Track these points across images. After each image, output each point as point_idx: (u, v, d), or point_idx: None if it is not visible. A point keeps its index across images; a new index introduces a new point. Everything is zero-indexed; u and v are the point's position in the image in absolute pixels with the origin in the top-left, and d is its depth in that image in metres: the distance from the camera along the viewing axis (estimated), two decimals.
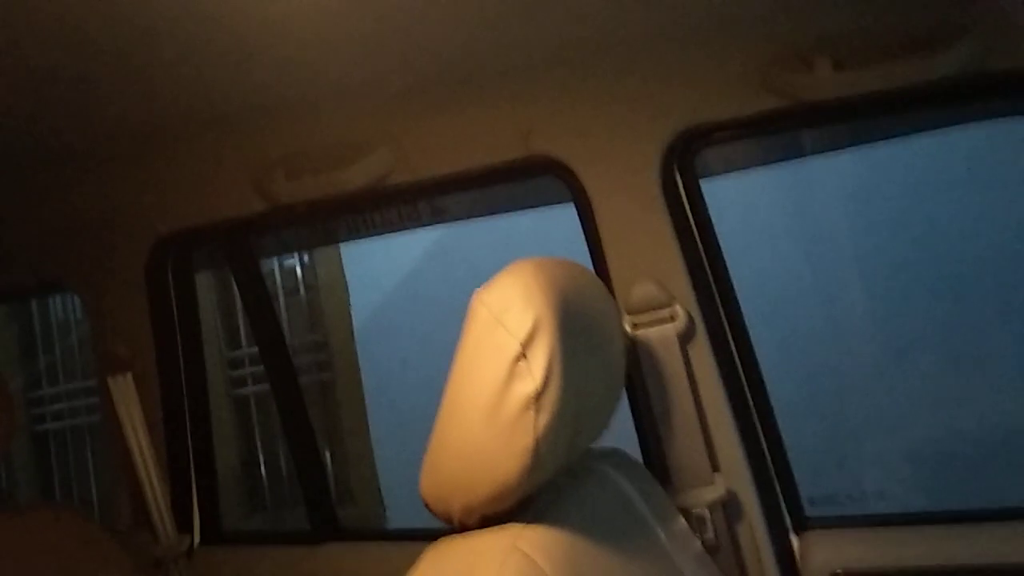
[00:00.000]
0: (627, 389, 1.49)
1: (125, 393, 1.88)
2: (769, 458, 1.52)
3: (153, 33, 1.12)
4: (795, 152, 1.75)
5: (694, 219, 1.50)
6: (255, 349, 2.97)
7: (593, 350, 1.12)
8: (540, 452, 0.95)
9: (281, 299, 3.14)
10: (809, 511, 1.53)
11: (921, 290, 3.11)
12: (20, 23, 1.03)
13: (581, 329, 1.08)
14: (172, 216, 1.78)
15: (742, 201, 2.89)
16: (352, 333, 3.12)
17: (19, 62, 1.18)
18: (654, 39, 1.37)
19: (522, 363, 0.97)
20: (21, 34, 1.05)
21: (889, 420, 3.15)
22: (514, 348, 0.97)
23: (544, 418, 0.96)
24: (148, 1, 0.96)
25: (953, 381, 3.05)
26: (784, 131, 1.46)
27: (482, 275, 1.08)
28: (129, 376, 1.87)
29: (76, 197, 1.81)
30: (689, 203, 1.50)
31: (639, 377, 1.47)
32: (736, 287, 1.54)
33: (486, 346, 1.00)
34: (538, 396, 0.96)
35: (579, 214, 1.54)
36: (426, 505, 1.03)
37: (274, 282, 3.09)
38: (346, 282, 3.08)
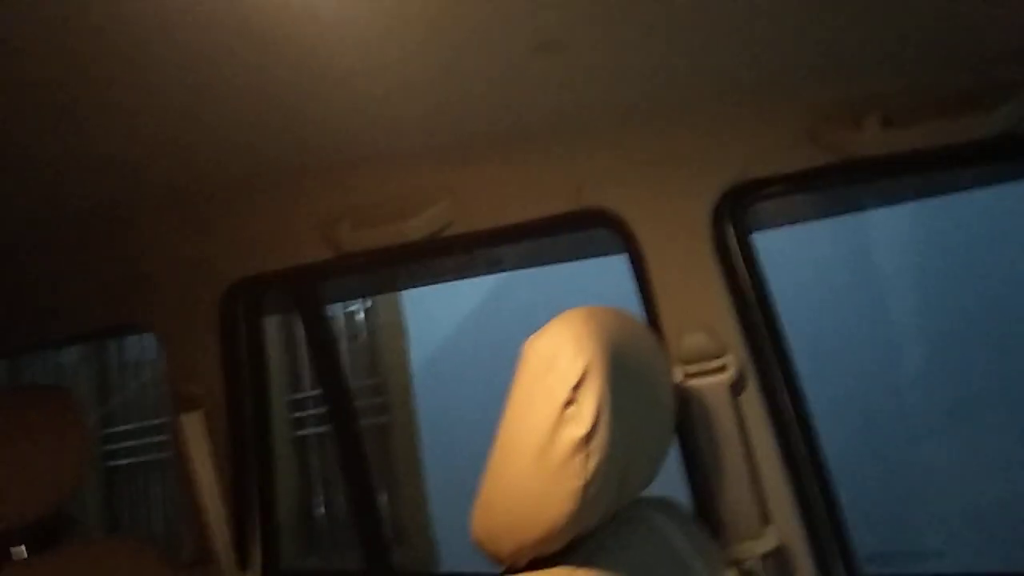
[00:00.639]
0: (679, 439, 1.51)
1: (195, 431, 1.97)
2: (822, 512, 1.51)
3: (229, 93, 1.21)
4: (849, 206, 1.77)
5: (746, 271, 1.53)
6: (316, 392, 3.06)
7: (642, 398, 1.15)
8: (589, 495, 0.98)
9: (344, 343, 3.23)
10: (865, 568, 1.51)
11: (985, 344, 3.04)
12: (109, 75, 1.10)
13: (631, 377, 1.11)
14: (244, 262, 1.88)
15: (801, 251, 2.89)
16: (410, 377, 3.19)
17: (104, 116, 1.28)
18: (705, 96, 1.42)
19: (572, 407, 1.00)
20: (105, 86, 1.12)
21: (951, 477, 3.06)
22: (564, 392, 1.01)
23: (593, 462, 0.99)
24: (224, 63, 1.04)
25: (1018, 440, 2.96)
26: (834, 186, 1.48)
27: (538, 320, 1.13)
28: (200, 414, 1.96)
29: (154, 244, 1.93)
30: (741, 255, 1.52)
31: (690, 427, 1.48)
32: (788, 338, 1.55)
33: (537, 391, 1.04)
34: (587, 440, 0.99)
35: (631, 265, 1.58)
36: (477, 545, 1.06)
37: (337, 326, 3.19)
38: (405, 327, 3.16)
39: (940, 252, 3.12)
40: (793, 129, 1.39)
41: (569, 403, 1.00)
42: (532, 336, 1.13)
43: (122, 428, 3.55)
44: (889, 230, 3.07)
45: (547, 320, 1.12)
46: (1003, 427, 3.00)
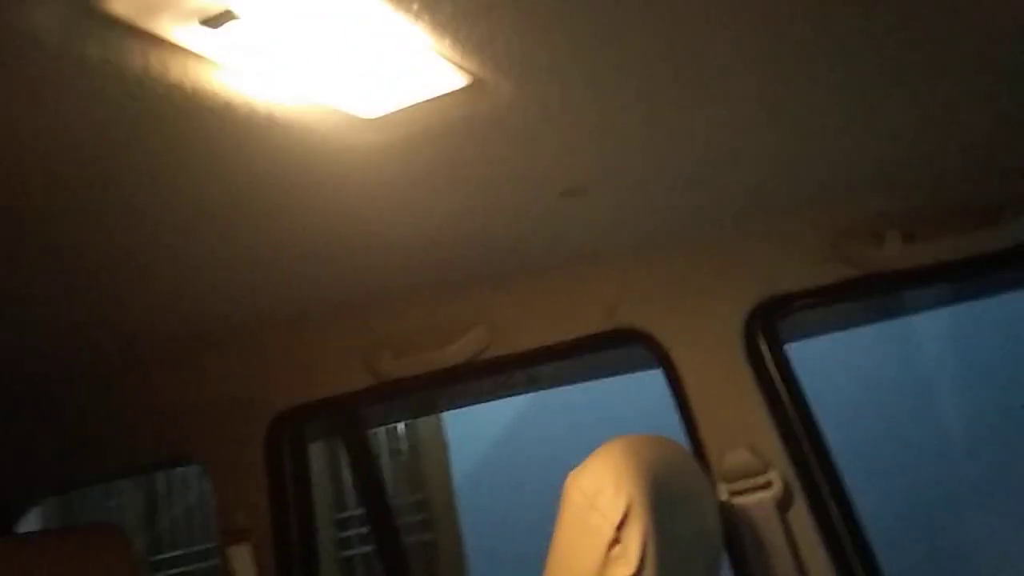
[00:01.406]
0: (730, 559, 1.48)
1: (244, 563, 1.97)
2: None
3: (274, 238, 1.28)
4: (879, 314, 1.78)
5: (783, 383, 1.53)
6: (361, 511, 3.05)
7: (688, 526, 1.14)
8: None
9: (385, 458, 3.23)
10: None
11: None
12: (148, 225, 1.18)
13: (675, 507, 1.11)
14: (289, 394, 1.92)
15: (844, 357, 2.88)
16: (452, 492, 3.17)
17: (160, 261, 1.35)
18: (728, 218, 1.46)
19: (617, 548, 1.01)
20: (157, 225, 1.20)
21: (1003, 561, 2.93)
22: (608, 532, 1.02)
23: None
24: (268, 210, 1.11)
25: None
26: (860, 299, 1.50)
27: (576, 432, 1.14)
28: (248, 546, 1.97)
29: (203, 380, 1.99)
30: (776, 368, 1.53)
31: (740, 547, 1.46)
32: (832, 448, 1.54)
33: (581, 531, 1.05)
34: None
35: (668, 383, 1.59)
36: None
37: (378, 443, 3.20)
38: (446, 442, 3.17)
39: (979, 348, 3.09)
40: (816, 246, 1.42)
41: (614, 543, 1.01)
42: (573, 472, 1.15)
43: (171, 554, 3.56)
44: (929, 329, 3.06)
45: (586, 431, 1.13)
46: None
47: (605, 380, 2.00)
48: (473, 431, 3.40)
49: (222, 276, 1.50)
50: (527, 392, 2.03)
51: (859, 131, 1.18)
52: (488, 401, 2.04)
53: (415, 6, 0.66)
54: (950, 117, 1.15)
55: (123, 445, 2.14)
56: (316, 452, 3.01)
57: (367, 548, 3.04)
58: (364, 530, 3.02)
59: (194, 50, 0.70)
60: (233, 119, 0.81)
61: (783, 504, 1.45)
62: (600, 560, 1.01)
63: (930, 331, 3.08)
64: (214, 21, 0.65)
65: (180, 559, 3.48)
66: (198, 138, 0.84)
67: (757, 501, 1.45)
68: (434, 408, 2.60)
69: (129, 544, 1.79)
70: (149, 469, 3.07)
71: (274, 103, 0.81)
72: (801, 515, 1.46)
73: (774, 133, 1.14)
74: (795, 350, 1.57)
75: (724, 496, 1.47)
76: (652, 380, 1.68)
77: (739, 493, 1.47)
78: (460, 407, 2.35)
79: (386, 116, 0.86)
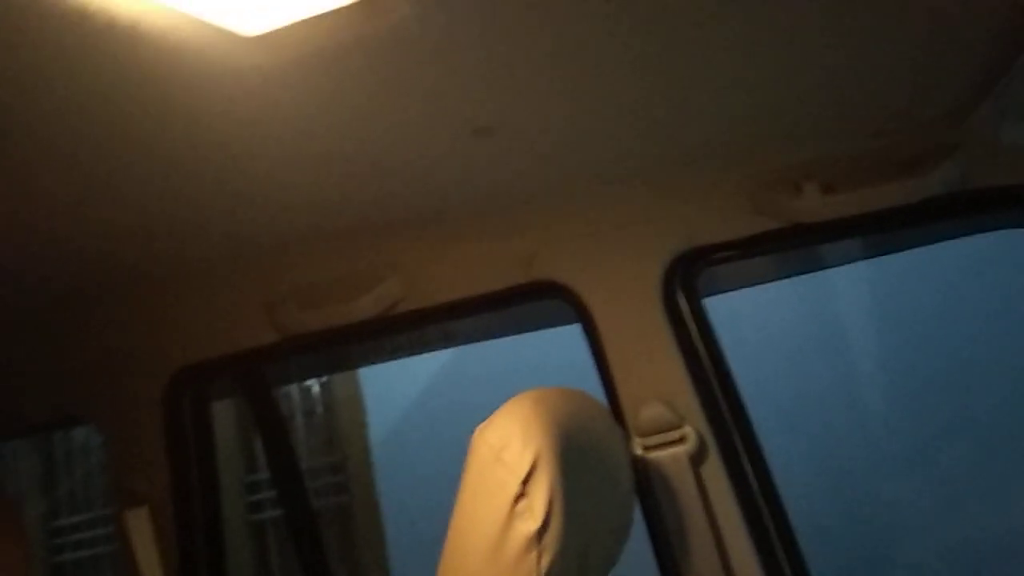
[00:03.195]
0: (643, 512, 1.47)
1: (141, 527, 1.88)
2: None
3: (162, 176, 1.18)
4: (798, 268, 1.78)
5: (700, 338, 1.51)
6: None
7: (599, 483, 1.11)
8: None
9: (299, 420, 3.15)
10: None
11: (943, 389, 3.08)
12: (39, 168, 1.07)
13: (585, 462, 1.07)
14: (188, 349, 1.82)
15: (763, 312, 2.92)
16: (369, 453, 3.11)
17: (38, 204, 1.24)
18: (649, 167, 1.42)
19: (523, 502, 0.97)
20: (35, 172, 1.09)
21: (918, 517, 3.06)
22: (514, 486, 0.98)
23: (547, 558, 0.95)
24: (154, 147, 1.01)
25: (977, 477, 2.99)
26: (780, 251, 1.49)
27: (499, 390, 1.10)
28: (145, 510, 1.87)
29: (94, 334, 1.86)
30: (694, 323, 1.51)
31: (653, 501, 1.44)
32: (747, 404, 1.54)
33: (487, 485, 1.00)
34: (540, 535, 0.95)
35: (586, 336, 1.56)
36: None
37: (291, 403, 3.10)
38: (363, 402, 3.10)
39: (898, 305, 3.18)
40: (736, 197, 1.40)
41: (520, 497, 0.97)
42: (481, 425, 1.10)
43: (69, 520, 3.40)
44: (848, 284, 3.13)
45: (506, 388, 1.10)
46: (963, 465, 3.03)
47: (528, 338, 1.96)
48: (392, 390, 3.33)
49: (107, 220, 1.39)
50: (444, 348, 1.97)
51: (777, 83, 1.15)
52: (404, 357, 1.97)
53: None
54: (867, 68, 1.13)
55: (10, 404, 2.01)
56: (224, 412, 2.91)
57: (279, 512, 2.96)
58: (275, 493, 2.95)
59: None
60: (91, 28, 0.70)
61: (697, 459, 1.44)
62: (505, 515, 0.97)
63: (848, 285, 3.16)
64: None
65: (80, 525, 3.33)
66: (50, 54, 0.74)
67: (671, 455, 1.44)
68: (346, 364, 2.51)
69: (16, 514, 1.67)
70: (39, 431, 2.91)
71: (139, 11, 0.71)
72: (715, 470, 1.45)
73: (691, 84, 1.10)
74: (713, 304, 1.55)
75: (638, 450, 1.45)
76: (576, 336, 1.64)
77: (653, 448, 1.45)
78: (375, 363, 2.28)
79: (269, 33, 0.77)
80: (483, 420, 1.11)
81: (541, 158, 1.30)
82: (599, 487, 1.11)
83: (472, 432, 1.08)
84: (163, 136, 0.98)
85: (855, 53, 1.08)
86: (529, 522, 0.95)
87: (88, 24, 0.70)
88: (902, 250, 1.58)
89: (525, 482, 0.97)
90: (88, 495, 3.38)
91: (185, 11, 0.71)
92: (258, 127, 1.00)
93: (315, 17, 0.76)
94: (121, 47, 0.74)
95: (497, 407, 1.19)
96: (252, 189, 1.29)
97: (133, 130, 0.94)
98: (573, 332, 1.70)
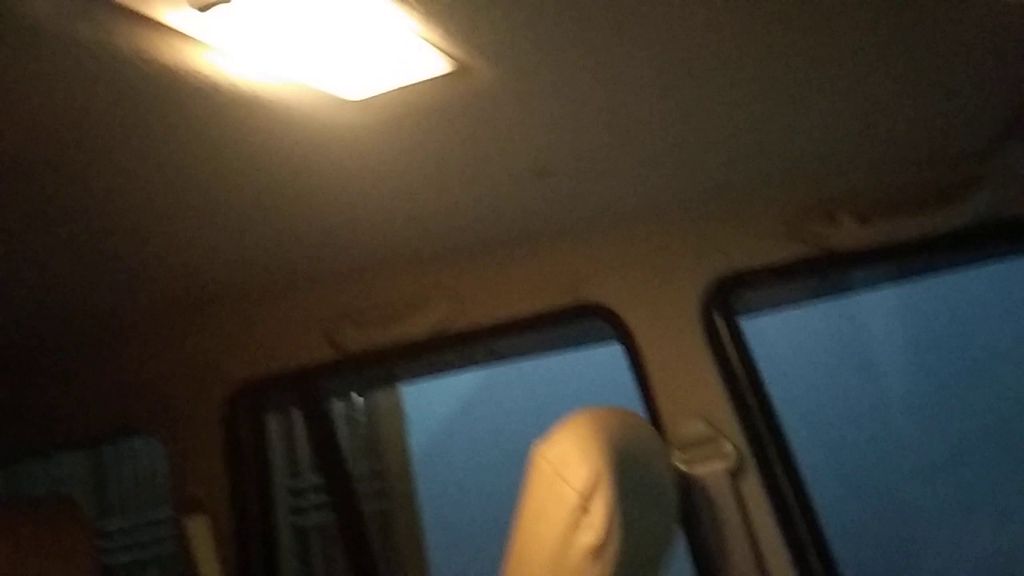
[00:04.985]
0: (683, 526, 1.54)
1: (200, 534, 1.97)
2: None
3: (233, 204, 1.27)
4: (832, 291, 1.85)
5: (737, 357, 1.59)
6: (315, 479, 3.06)
7: (650, 497, 1.19)
8: None
9: (342, 427, 3.23)
10: None
11: (969, 404, 3.13)
12: (114, 190, 1.16)
13: (637, 478, 1.15)
14: (247, 365, 1.91)
15: (796, 334, 2.99)
16: (410, 461, 3.20)
17: (108, 227, 1.33)
18: (688, 199, 1.50)
19: (584, 516, 1.05)
20: (110, 200, 1.16)
21: (949, 533, 3.10)
22: (575, 501, 1.05)
23: (608, 569, 1.02)
24: (225, 177, 1.10)
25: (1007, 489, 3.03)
26: (814, 277, 1.56)
27: (533, 403, 1.17)
28: (204, 517, 1.97)
29: (159, 349, 1.96)
30: (732, 342, 1.58)
31: (693, 515, 1.51)
32: (783, 419, 1.60)
33: (548, 500, 1.08)
34: (601, 548, 1.03)
35: (627, 355, 1.63)
36: None
37: (336, 411, 3.19)
38: (404, 411, 3.18)
39: (926, 323, 3.23)
40: (773, 225, 1.47)
41: (580, 511, 1.05)
42: (539, 443, 1.18)
43: (120, 524, 3.51)
44: (877, 302, 3.19)
45: (543, 402, 1.17)
46: (987, 477, 3.08)
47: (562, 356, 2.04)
48: (431, 401, 3.42)
49: (185, 249, 1.49)
50: (488, 365, 2.06)
51: (815, 117, 1.22)
52: (449, 373, 2.06)
53: None
54: (900, 105, 1.20)
55: (75, 417, 2.11)
56: (271, 421, 3.00)
57: (321, 518, 3.06)
58: (318, 500, 3.04)
59: (184, 32, 0.70)
60: (218, 99, 0.81)
61: (735, 473, 1.51)
62: (567, 528, 1.04)
63: (878, 308, 3.22)
64: (204, 5, 0.65)
65: (129, 530, 3.45)
66: (183, 117, 0.84)
67: (710, 470, 1.51)
68: (394, 380, 2.61)
69: (84, 516, 1.77)
70: (101, 441, 3.03)
71: (259, 84, 0.81)
72: (752, 484, 1.52)
73: (735, 119, 1.17)
74: (750, 325, 1.62)
75: (679, 465, 1.52)
76: (601, 354, 1.72)
77: (693, 463, 1.52)
78: (422, 379, 2.37)
79: (370, 98, 0.87)
80: (519, 431, 1.18)
81: (591, 193, 1.39)
82: (651, 502, 1.19)
83: (508, 443, 1.15)
84: (234, 168, 1.07)
85: (889, 91, 1.16)
86: (591, 536, 1.03)
87: (217, 94, 0.80)
88: (932, 275, 1.64)
89: (586, 497, 1.05)
90: (138, 499, 3.49)
91: (301, 82, 0.81)
92: (347, 173, 1.10)
93: (411, 85, 0.85)
94: (244, 113, 0.84)
95: (533, 419, 1.27)
96: (322, 222, 1.39)
97: (245, 175, 1.04)
98: (602, 351, 1.78)
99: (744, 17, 0.86)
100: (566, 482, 1.07)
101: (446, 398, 3.50)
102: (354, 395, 3.11)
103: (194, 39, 0.71)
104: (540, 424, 1.22)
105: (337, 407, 3.18)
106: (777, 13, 0.87)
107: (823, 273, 1.51)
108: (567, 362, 2.22)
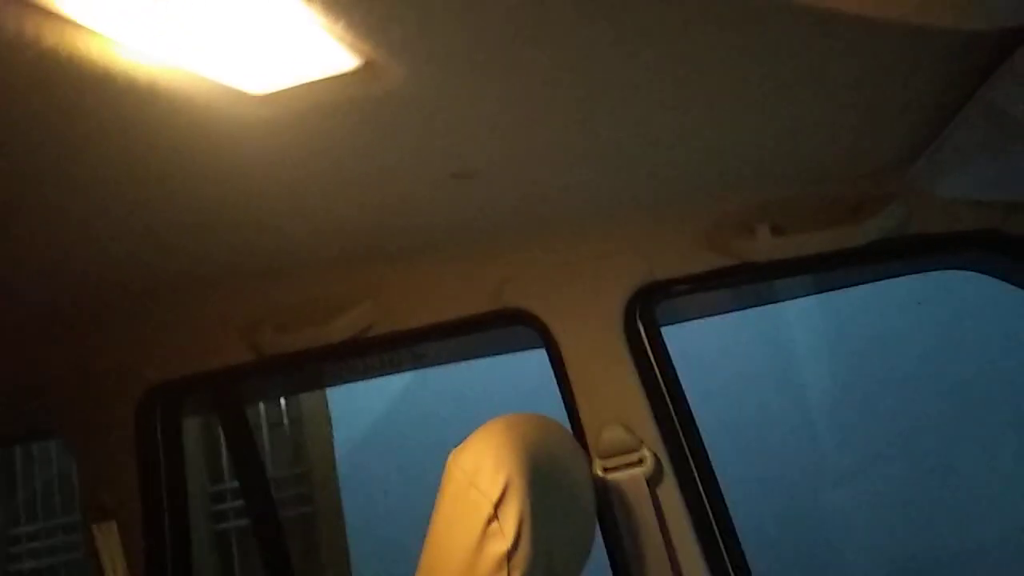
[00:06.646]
0: (602, 532, 1.55)
1: (109, 541, 1.90)
2: None
3: (146, 200, 1.23)
4: (751, 301, 1.89)
5: (657, 366, 1.60)
6: (236, 484, 2.99)
7: (564, 505, 1.19)
8: None
9: (265, 431, 3.17)
10: None
11: (888, 411, 3.25)
12: (23, 193, 1.12)
13: (552, 485, 1.15)
14: (161, 367, 1.85)
15: (719, 334, 3.04)
16: (334, 466, 3.15)
17: (20, 221, 1.27)
18: (614, 207, 1.51)
19: (494, 524, 1.04)
20: (21, 191, 1.13)
21: (865, 534, 3.21)
22: (487, 509, 1.05)
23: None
24: (139, 171, 1.07)
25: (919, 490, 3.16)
26: (733, 286, 1.59)
27: (460, 408, 1.16)
28: (113, 524, 1.90)
29: (68, 349, 1.89)
30: (652, 351, 1.60)
31: (612, 521, 1.53)
32: (701, 428, 1.63)
33: (460, 507, 1.07)
34: (510, 556, 1.03)
35: (550, 362, 1.63)
36: None
37: (258, 414, 3.13)
38: (330, 415, 3.14)
39: (846, 333, 3.34)
40: (693, 236, 1.49)
41: (491, 520, 1.04)
42: (454, 450, 1.17)
43: (28, 528, 3.38)
44: (797, 312, 3.28)
45: (470, 406, 1.16)
46: (904, 481, 3.21)
47: (488, 360, 2.03)
48: (357, 405, 3.38)
49: (95, 244, 1.43)
50: (413, 369, 2.04)
51: (735, 133, 1.24)
52: (373, 378, 2.03)
53: None
54: (815, 121, 1.23)
55: None
56: (190, 422, 2.92)
57: (243, 521, 2.99)
58: (240, 503, 2.97)
59: (74, 19, 0.66)
60: (113, 88, 0.77)
61: (654, 480, 1.53)
62: (478, 536, 1.04)
63: (797, 313, 3.30)
64: None
65: (39, 533, 3.31)
66: (75, 107, 0.80)
67: (629, 477, 1.52)
68: (317, 384, 2.56)
69: None
70: (9, 443, 2.90)
71: (156, 72, 0.78)
72: (670, 490, 1.54)
73: (655, 131, 1.19)
74: (671, 333, 1.64)
75: (599, 471, 1.53)
76: (532, 358, 1.72)
77: (613, 469, 1.53)
78: (344, 383, 2.33)
79: (274, 93, 0.84)
80: (447, 435, 1.17)
81: (513, 198, 1.38)
82: (564, 508, 1.19)
83: (434, 447, 1.14)
84: (170, 173, 1.04)
85: (806, 109, 1.18)
86: (500, 543, 1.02)
87: (111, 84, 0.77)
88: (848, 287, 1.69)
89: (497, 505, 1.04)
90: (48, 503, 3.36)
91: (201, 74, 0.78)
92: (253, 169, 1.07)
93: (317, 80, 0.83)
94: (140, 103, 0.81)
95: (459, 423, 1.26)
96: (235, 219, 1.35)
97: (118, 157, 1.00)
98: (528, 357, 1.78)
99: (664, 31, 0.87)
100: (478, 490, 1.07)
101: (372, 401, 3.47)
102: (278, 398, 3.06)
103: (86, 27, 0.68)
104: (468, 428, 1.21)
105: (259, 409, 3.12)
106: (697, 30, 0.87)
107: (742, 283, 1.54)
108: (497, 365, 2.21)
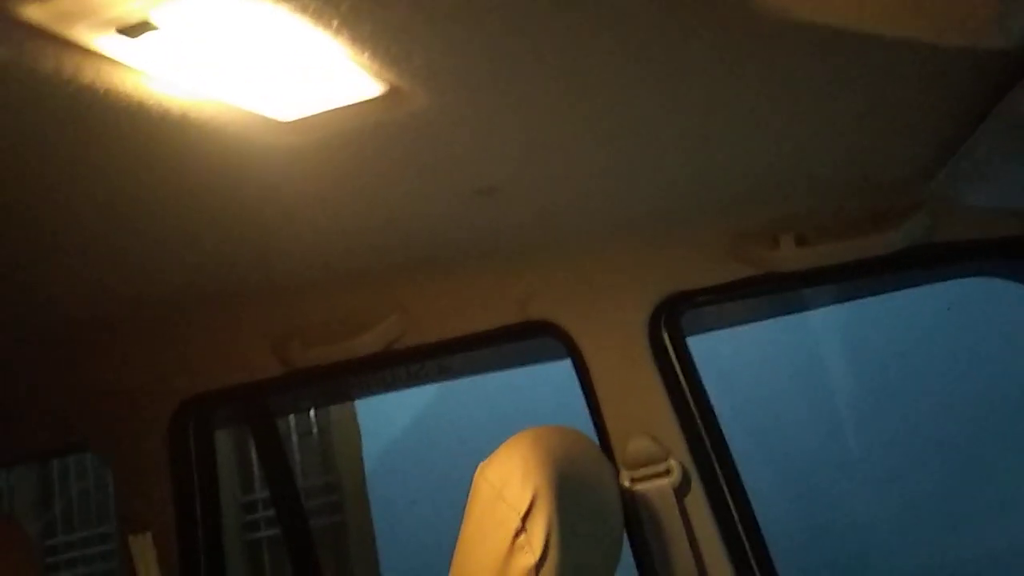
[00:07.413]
0: (629, 543, 1.55)
1: (144, 552, 1.94)
2: None
3: (179, 218, 1.26)
4: (776, 310, 1.89)
5: (683, 376, 1.61)
6: (267, 494, 3.02)
7: (591, 517, 1.20)
8: None
9: (295, 441, 3.21)
10: None
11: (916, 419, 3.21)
12: (53, 198, 1.16)
13: (579, 498, 1.16)
14: (194, 380, 1.89)
15: (746, 344, 3.04)
16: (363, 475, 3.18)
17: (50, 242, 1.31)
18: (639, 219, 1.52)
19: (522, 536, 1.05)
20: (51, 211, 1.15)
21: (893, 544, 3.17)
22: (514, 522, 1.06)
23: None
24: (174, 194, 1.10)
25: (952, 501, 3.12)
26: (757, 296, 1.59)
27: (485, 419, 1.17)
28: (149, 535, 1.94)
29: (102, 363, 1.93)
30: (678, 361, 1.60)
31: (639, 531, 1.53)
32: (728, 437, 1.63)
33: (489, 520, 1.09)
34: (538, 568, 1.04)
35: (576, 373, 1.64)
36: None
37: (288, 425, 3.17)
38: (358, 425, 3.16)
39: (871, 339, 3.31)
40: (718, 247, 1.50)
41: (519, 532, 1.05)
42: (483, 463, 1.18)
43: (65, 538, 3.44)
44: (825, 320, 3.27)
45: (495, 417, 1.17)
46: (934, 488, 3.17)
47: (514, 373, 2.05)
48: (385, 415, 3.41)
49: (129, 262, 1.47)
50: (439, 381, 2.06)
51: (759, 144, 1.25)
52: (400, 390, 2.05)
53: (335, 22, 0.67)
54: (839, 133, 1.24)
55: (18, 432, 2.06)
56: (222, 434, 2.97)
57: (274, 531, 3.02)
58: (271, 513, 3.00)
59: (110, 56, 0.69)
60: (146, 119, 0.80)
61: (681, 490, 1.53)
62: (506, 549, 1.05)
63: (824, 322, 3.29)
64: (132, 31, 0.64)
65: (75, 543, 3.37)
66: (113, 138, 0.83)
67: (657, 487, 1.52)
68: (345, 396, 2.60)
69: (27, 536, 1.73)
70: (45, 457, 2.96)
71: (189, 104, 0.81)
72: (698, 501, 1.54)
73: (679, 144, 1.20)
74: (696, 343, 1.65)
75: (626, 482, 1.54)
76: (558, 370, 1.73)
77: (640, 480, 1.54)
78: (372, 395, 2.36)
79: (303, 119, 0.86)
80: (471, 446, 1.19)
81: (538, 212, 1.40)
82: (592, 520, 1.20)
83: (461, 457, 1.16)
84: (196, 196, 1.07)
85: (830, 121, 1.19)
86: (528, 556, 1.03)
87: (145, 115, 0.80)
88: (872, 296, 1.68)
89: (525, 518, 1.05)
90: (84, 514, 3.42)
91: (231, 103, 0.81)
92: (284, 191, 1.10)
93: (343, 107, 0.85)
94: (173, 132, 0.84)
95: (483, 435, 1.27)
96: (266, 238, 1.38)
97: (172, 192, 1.03)
98: (554, 368, 1.79)
99: (684, 51, 0.88)
100: (506, 503, 1.08)
101: (401, 412, 3.49)
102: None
103: (120, 63, 0.71)
104: (494, 438, 1.23)
105: (291, 421, 3.16)
106: (723, 43, 0.88)
107: (767, 293, 1.54)
108: (524, 376, 2.23)
